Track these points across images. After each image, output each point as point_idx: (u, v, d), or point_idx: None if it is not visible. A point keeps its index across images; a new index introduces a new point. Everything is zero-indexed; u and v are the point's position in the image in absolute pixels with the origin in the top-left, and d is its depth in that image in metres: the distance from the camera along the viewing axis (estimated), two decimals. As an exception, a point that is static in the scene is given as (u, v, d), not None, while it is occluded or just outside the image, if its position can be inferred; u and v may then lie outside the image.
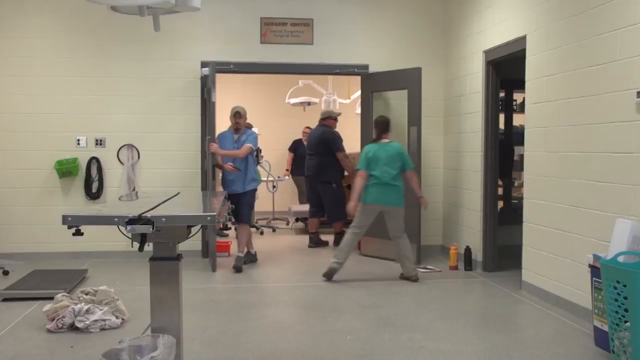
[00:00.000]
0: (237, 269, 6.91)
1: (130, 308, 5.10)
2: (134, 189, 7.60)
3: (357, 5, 8.06)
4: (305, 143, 10.02)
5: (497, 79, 6.96)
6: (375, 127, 6.74)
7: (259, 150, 10.25)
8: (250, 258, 7.38)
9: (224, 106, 11.63)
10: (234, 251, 8.12)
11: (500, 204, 8.15)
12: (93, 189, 7.62)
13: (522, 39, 6.02)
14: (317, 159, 8.58)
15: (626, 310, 3.75)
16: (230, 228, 9.70)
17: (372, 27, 8.09)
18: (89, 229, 3.07)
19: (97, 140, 7.63)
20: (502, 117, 7.89)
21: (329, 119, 8.71)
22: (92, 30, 7.59)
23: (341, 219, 8.51)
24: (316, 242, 8.64)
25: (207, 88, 7.46)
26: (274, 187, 11.01)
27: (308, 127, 10.49)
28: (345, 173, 8.76)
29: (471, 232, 7.24)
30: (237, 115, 7.17)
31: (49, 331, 4.67)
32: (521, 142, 6.36)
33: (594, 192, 4.85)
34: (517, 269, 6.23)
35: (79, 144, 7.60)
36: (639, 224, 4.16)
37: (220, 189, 7.70)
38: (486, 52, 6.90)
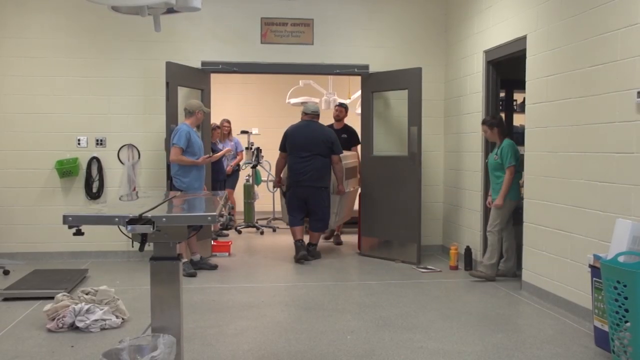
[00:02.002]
0: (192, 275, 6.68)
1: (130, 308, 5.10)
2: (134, 189, 7.60)
3: (358, 6, 8.06)
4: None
5: (498, 79, 6.97)
6: (502, 125, 6.56)
7: (259, 150, 10.27)
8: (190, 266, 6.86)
9: (223, 106, 11.66)
10: (234, 251, 8.15)
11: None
12: (93, 189, 7.63)
13: (523, 39, 6.03)
14: (317, 162, 7.47)
15: (626, 311, 3.75)
16: (230, 228, 9.77)
17: (373, 27, 8.09)
18: (89, 229, 3.07)
19: (97, 140, 7.64)
20: (502, 117, 7.88)
21: (317, 116, 7.76)
22: (93, 30, 7.59)
23: (327, 229, 8.06)
24: (314, 255, 7.65)
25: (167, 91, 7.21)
26: (274, 187, 10.97)
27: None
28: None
29: (471, 232, 7.24)
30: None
31: (50, 331, 4.67)
32: (521, 142, 6.36)
33: (594, 192, 4.85)
34: (517, 269, 6.23)
35: (79, 143, 7.61)
36: (639, 224, 4.16)
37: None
38: (486, 52, 6.90)
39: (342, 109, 8.89)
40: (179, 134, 6.65)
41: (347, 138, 8.63)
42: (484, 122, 6.55)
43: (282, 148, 7.73)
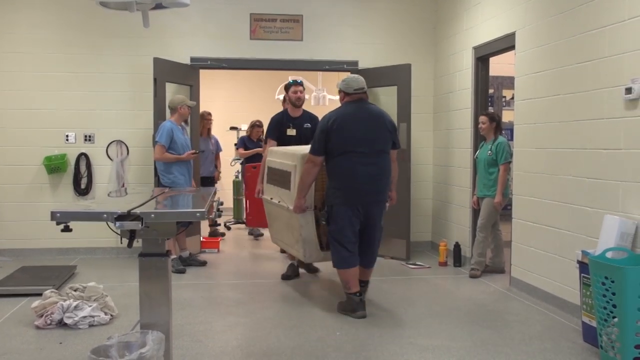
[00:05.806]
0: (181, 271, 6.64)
1: (119, 304, 5.08)
2: (123, 185, 7.57)
3: (347, 2, 8.04)
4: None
5: (487, 75, 6.99)
6: (500, 123, 6.58)
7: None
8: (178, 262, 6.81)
9: (215, 103, 11.63)
10: (223, 247, 8.14)
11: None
12: (82, 185, 7.58)
13: (512, 36, 6.04)
14: (386, 162, 5.09)
15: (614, 306, 3.78)
16: (219, 224, 9.75)
17: (362, 23, 8.08)
18: (77, 225, 3.05)
19: (86, 136, 7.59)
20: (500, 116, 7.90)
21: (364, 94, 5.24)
22: (82, 26, 7.54)
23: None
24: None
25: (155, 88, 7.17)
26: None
27: None
28: None
29: (460, 228, 7.26)
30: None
31: (38, 327, 4.65)
32: (510, 139, 6.39)
33: (582, 189, 4.88)
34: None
35: (67, 139, 7.56)
36: (627, 220, 4.19)
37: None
38: (475, 49, 6.92)
39: (303, 88, 6.52)
40: (161, 132, 6.65)
41: (312, 129, 6.10)
42: (486, 114, 6.58)
43: (321, 150, 5.01)
